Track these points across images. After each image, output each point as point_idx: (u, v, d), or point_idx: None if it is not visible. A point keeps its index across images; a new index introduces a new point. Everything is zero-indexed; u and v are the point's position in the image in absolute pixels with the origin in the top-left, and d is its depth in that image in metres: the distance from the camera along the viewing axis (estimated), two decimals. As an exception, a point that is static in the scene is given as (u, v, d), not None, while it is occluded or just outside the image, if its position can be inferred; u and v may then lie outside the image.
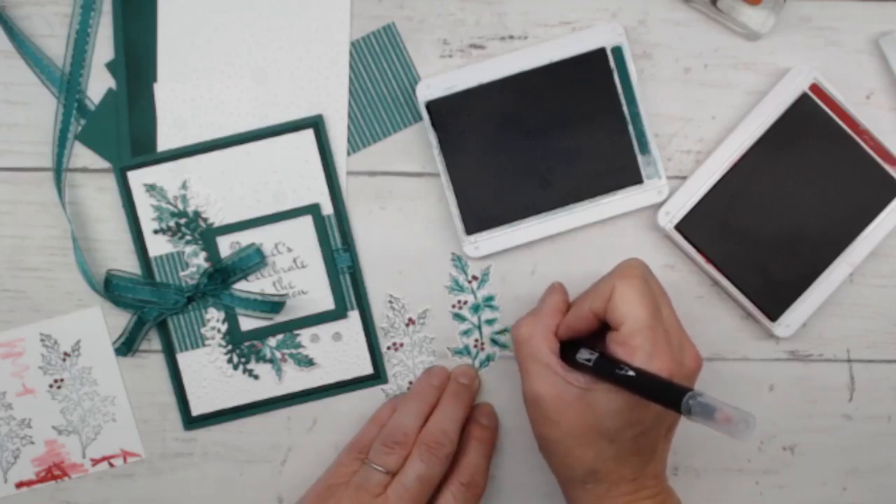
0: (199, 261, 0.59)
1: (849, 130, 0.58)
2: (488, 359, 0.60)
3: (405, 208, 0.59)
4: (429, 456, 0.54)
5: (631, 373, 0.48)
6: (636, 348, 0.49)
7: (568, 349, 0.53)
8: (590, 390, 0.50)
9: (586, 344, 0.52)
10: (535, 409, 0.52)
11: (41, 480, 0.60)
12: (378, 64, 0.59)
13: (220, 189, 0.59)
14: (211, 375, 0.59)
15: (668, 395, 0.46)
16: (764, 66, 0.59)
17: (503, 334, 0.60)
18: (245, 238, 0.59)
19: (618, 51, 0.58)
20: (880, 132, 0.58)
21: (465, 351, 0.60)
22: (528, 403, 0.53)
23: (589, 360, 0.50)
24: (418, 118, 0.59)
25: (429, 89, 0.58)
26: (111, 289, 0.58)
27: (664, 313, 0.51)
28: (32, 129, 0.59)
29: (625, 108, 0.58)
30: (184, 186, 0.59)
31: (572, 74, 0.58)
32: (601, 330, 0.52)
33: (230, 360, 0.59)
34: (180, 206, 0.59)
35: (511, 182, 0.58)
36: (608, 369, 0.49)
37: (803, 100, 0.58)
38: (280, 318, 0.59)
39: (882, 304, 0.60)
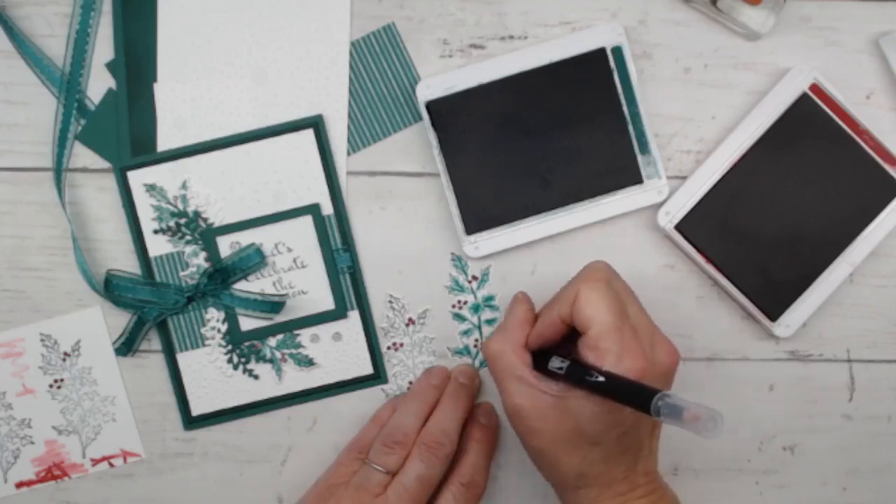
0: (199, 261, 0.59)
1: (849, 130, 0.58)
2: (488, 359, 0.60)
3: (405, 208, 0.59)
4: (429, 456, 0.54)
5: (601, 378, 0.48)
6: (605, 351, 0.49)
7: (540, 358, 0.53)
8: (565, 397, 0.50)
9: (559, 351, 0.52)
10: (518, 421, 0.52)
11: (41, 480, 0.60)
12: (378, 64, 0.59)
13: (220, 189, 0.59)
14: (211, 375, 0.59)
15: (638, 398, 0.45)
16: (764, 66, 0.59)
17: (503, 334, 0.60)
18: (245, 238, 0.59)
19: (618, 51, 0.58)
20: (880, 132, 0.58)
21: (465, 351, 0.60)
22: (510, 417, 0.53)
23: (561, 369, 0.50)
24: (418, 118, 0.59)
25: (429, 89, 0.58)
26: (111, 289, 0.58)
27: (631, 312, 0.51)
28: (32, 129, 0.59)
29: (625, 108, 0.58)
30: (184, 186, 0.59)
31: (572, 74, 0.58)
32: (573, 335, 0.52)
33: (230, 360, 0.59)
34: (180, 206, 0.59)
35: (511, 182, 0.58)
36: (579, 376, 0.49)
37: (803, 100, 0.58)
38: (280, 318, 0.59)
39: (882, 304, 0.60)
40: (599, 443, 0.50)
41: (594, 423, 0.50)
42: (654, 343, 0.51)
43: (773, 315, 0.59)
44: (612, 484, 0.51)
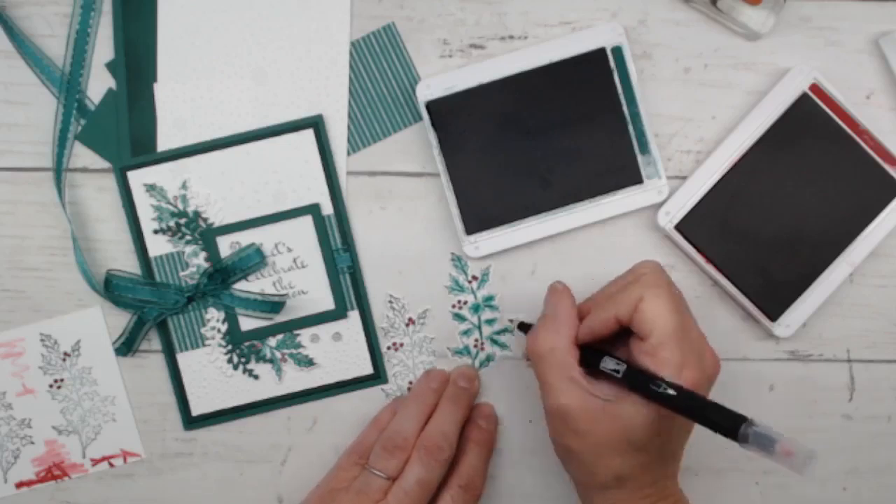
0: (199, 261, 0.59)
1: (849, 130, 0.58)
2: (488, 359, 0.60)
3: (405, 208, 0.59)
4: (428, 460, 0.54)
5: (670, 391, 0.47)
6: (665, 360, 0.48)
7: (589, 356, 0.52)
8: (617, 402, 0.50)
9: (604, 348, 0.52)
10: (561, 422, 0.51)
11: (41, 480, 0.60)
12: (378, 64, 0.59)
13: (220, 189, 0.59)
14: (211, 375, 0.59)
15: (721, 420, 0.45)
16: (764, 66, 0.59)
17: (503, 334, 0.60)
18: (245, 238, 0.59)
19: (618, 51, 0.58)
20: (880, 132, 0.58)
21: (465, 351, 0.60)
22: (552, 416, 0.52)
23: (617, 371, 0.50)
24: (418, 118, 0.59)
25: (429, 89, 0.58)
26: (111, 289, 0.58)
27: (689, 321, 0.50)
28: (32, 129, 0.59)
29: (625, 108, 0.58)
30: (184, 186, 0.59)
31: (572, 74, 0.58)
32: (620, 333, 0.52)
33: (230, 360, 0.59)
34: (180, 206, 0.59)
35: (511, 182, 0.58)
36: (641, 383, 0.48)
37: (803, 100, 0.58)
38: (280, 318, 0.59)
39: (882, 304, 0.60)
40: (642, 450, 0.50)
41: (643, 431, 0.49)
42: (703, 352, 0.50)
43: (773, 315, 0.59)
44: (644, 487, 0.51)
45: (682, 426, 0.51)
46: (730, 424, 0.44)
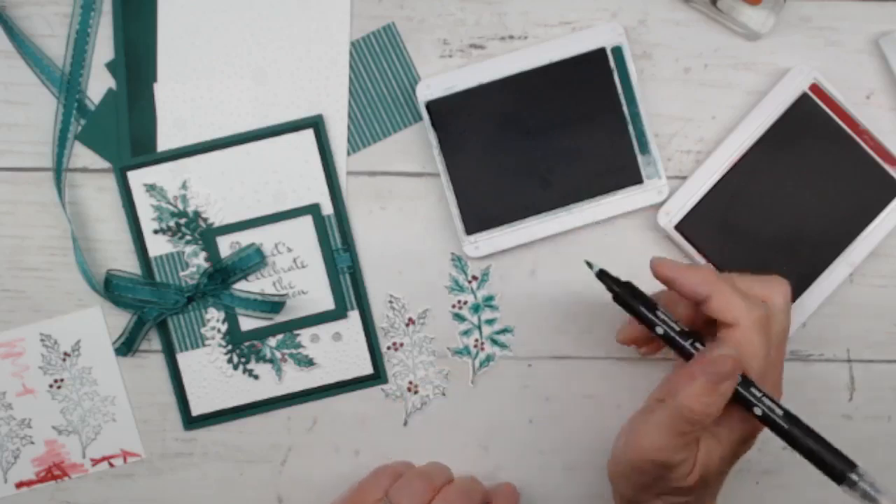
0: (199, 261, 0.59)
1: (849, 130, 0.58)
2: (488, 359, 0.60)
3: (405, 208, 0.59)
4: None
5: (778, 409, 0.47)
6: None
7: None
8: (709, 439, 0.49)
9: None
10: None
11: (41, 480, 0.60)
12: (378, 64, 0.59)
13: (220, 189, 0.59)
14: (211, 375, 0.59)
15: (830, 461, 0.46)
16: (764, 66, 0.59)
17: (503, 334, 0.60)
18: (245, 238, 0.59)
19: (618, 51, 0.58)
20: (880, 132, 0.58)
21: (465, 351, 0.60)
22: (638, 461, 0.49)
23: (769, 409, 0.48)
24: (418, 118, 0.59)
25: (429, 89, 0.58)
26: (111, 289, 0.58)
27: (774, 356, 0.49)
28: (32, 129, 0.59)
29: (625, 108, 0.58)
30: (184, 186, 0.59)
31: (572, 74, 0.58)
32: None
33: (230, 360, 0.59)
34: (180, 206, 0.59)
35: (511, 182, 0.58)
36: (750, 393, 0.47)
37: (803, 100, 0.58)
38: (280, 318, 0.59)
39: (882, 304, 0.60)
40: (710, 485, 0.50)
41: (717, 469, 0.49)
42: (775, 393, 0.50)
43: (773, 315, 0.59)
44: None
45: (726, 470, 0.51)
46: (838, 469, 0.46)
